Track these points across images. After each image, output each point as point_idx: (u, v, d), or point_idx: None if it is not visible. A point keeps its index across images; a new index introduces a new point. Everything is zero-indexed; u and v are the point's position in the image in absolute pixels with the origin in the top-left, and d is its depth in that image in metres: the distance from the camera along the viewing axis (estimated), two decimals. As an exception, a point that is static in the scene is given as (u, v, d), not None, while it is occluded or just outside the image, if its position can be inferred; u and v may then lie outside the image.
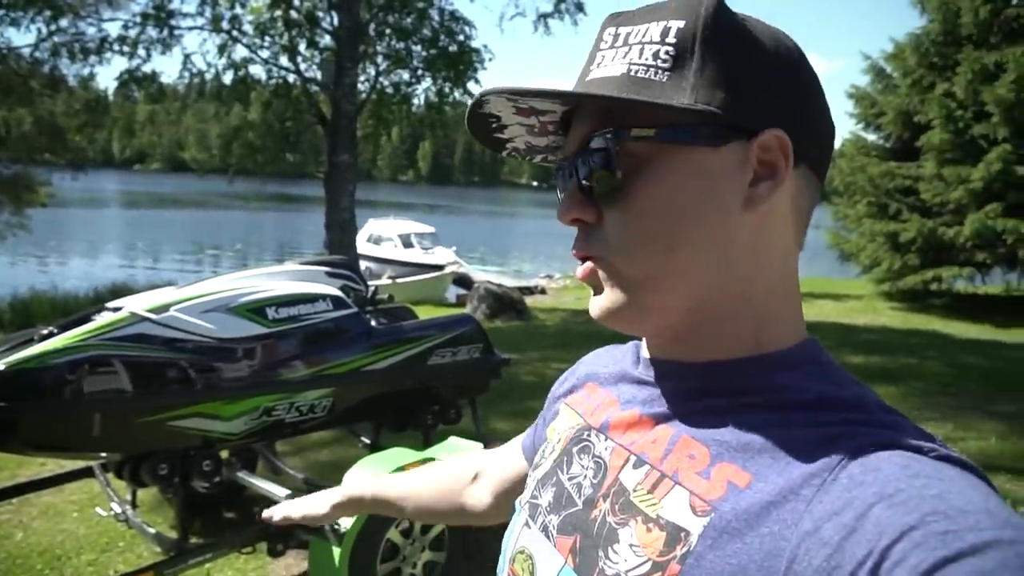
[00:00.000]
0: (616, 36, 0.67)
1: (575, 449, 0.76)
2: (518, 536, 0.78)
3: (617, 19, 0.68)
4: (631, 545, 0.62)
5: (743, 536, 0.56)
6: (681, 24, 0.64)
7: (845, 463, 0.56)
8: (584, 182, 0.67)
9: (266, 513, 1.22)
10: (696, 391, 0.68)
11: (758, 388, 0.65)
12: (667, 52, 0.63)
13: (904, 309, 13.89)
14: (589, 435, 0.76)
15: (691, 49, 0.63)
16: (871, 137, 15.69)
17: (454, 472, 1.13)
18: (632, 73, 0.64)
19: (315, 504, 1.18)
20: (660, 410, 0.69)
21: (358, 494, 1.16)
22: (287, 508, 1.19)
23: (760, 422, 0.62)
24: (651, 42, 0.64)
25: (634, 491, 0.66)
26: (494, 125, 0.72)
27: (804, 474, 0.57)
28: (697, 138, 0.63)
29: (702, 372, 0.68)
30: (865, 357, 8.68)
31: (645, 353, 0.75)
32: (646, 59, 0.64)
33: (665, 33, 0.64)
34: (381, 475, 2.96)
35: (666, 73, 0.63)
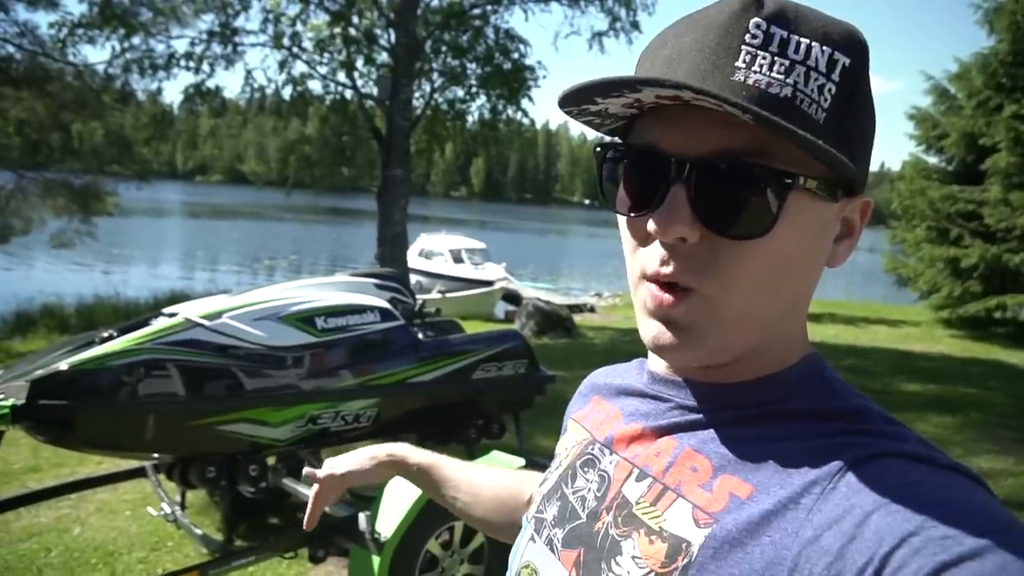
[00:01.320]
0: (770, 37, 0.59)
1: (580, 463, 0.76)
2: (523, 551, 0.78)
3: (764, 11, 0.60)
4: (634, 557, 0.63)
5: (744, 546, 0.56)
6: (847, 62, 0.60)
7: (845, 471, 0.56)
8: (710, 202, 0.60)
9: (308, 470, 1.15)
10: (701, 406, 0.68)
11: (761, 401, 0.66)
12: (830, 91, 0.59)
13: (964, 337, 13.42)
14: (594, 449, 0.76)
15: (850, 95, 0.61)
16: (932, 160, 15.28)
17: (514, 487, 1.05)
18: (798, 102, 0.58)
19: (358, 459, 1.10)
20: (663, 423, 0.70)
21: (406, 457, 1.08)
22: (330, 465, 1.11)
23: (762, 434, 0.63)
24: (817, 71, 0.58)
25: (637, 503, 0.66)
26: (615, 94, 0.60)
27: (805, 483, 0.57)
28: (829, 192, 0.62)
29: (713, 390, 0.68)
30: (921, 385, 8.40)
31: (653, 367, 0.74)
32: (812, 90, 0.58)
33: (832, 66, 0.59)
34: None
35: (823, 114, 0.59)
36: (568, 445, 0.82)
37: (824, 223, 0.64)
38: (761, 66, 0.58)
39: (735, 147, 0.59)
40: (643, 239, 0.64)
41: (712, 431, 0.66)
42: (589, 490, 0.72)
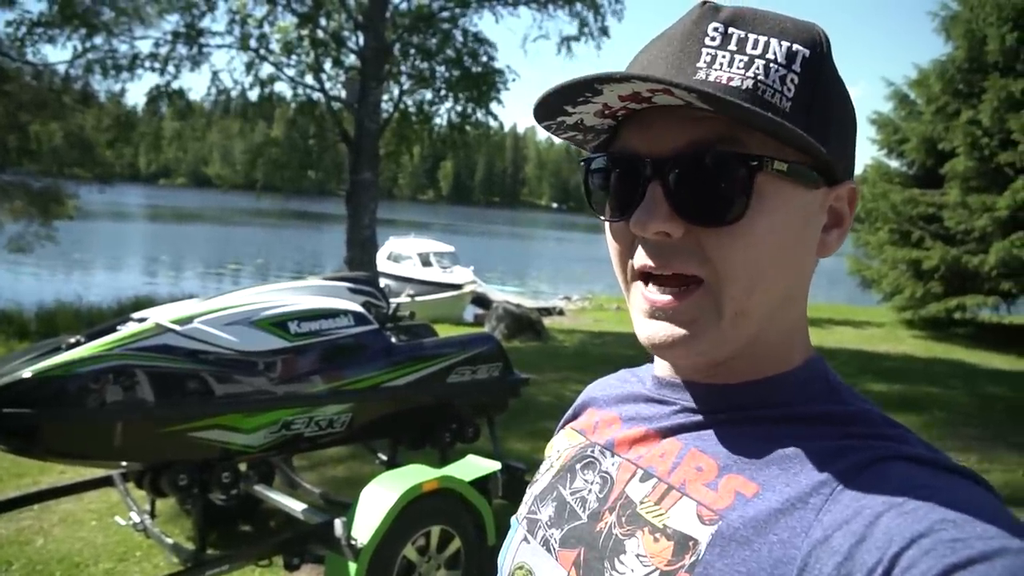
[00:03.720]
0: (727, 37, 0.61)
1: (578, 465, 0.76)
2: (516, 552, 0.76)
3: (721, 15, 0.63)
4: (638, 555, 0.62)
5: (751, 544, 0.56)
6: (807, 53, 0.62)
7: (854, 473, 0.57)
8: (685, 195, 0.61)
9: None
10: (706, 407, 0.68)
11: (767, 404, 0.66)
12: (792, 80, 0.61)
13: (926, 337, 13.73)
14: (593, 451, 0.76)
15: (813, 83, 0.62)
16: (893, 164, 15.63)
17: None
18: (760, 92, 0.60)
19: None
20: (667, 424, 0.70)
21: None
22: None
23: (768, 436, 0.63)
24: (777, 63, 0.61)
25: (641, 503, 0.66)
26: (580, 99, 0.61)
27: (813, 483, 0.57)
28: (806, 177, 0.63)
29: (717, 391, 0.68)
30: (887, 385, 8.57)
31: (658, 372, 0.75)
32: (773, 81, 0.60)
33: (791, 58, 0.61)
34: (397, 493, 2.97)
35: (789, 102, 0.61)
36: (560, 448, 0.82)
37: (807, 210, 0.64)
38: (721, 64, 0.61)
39: (704, 138, 0.60)
40: (630, 242, 0.66)
41: (717, 431, 0.66)
42: (590, 491, 0.72)
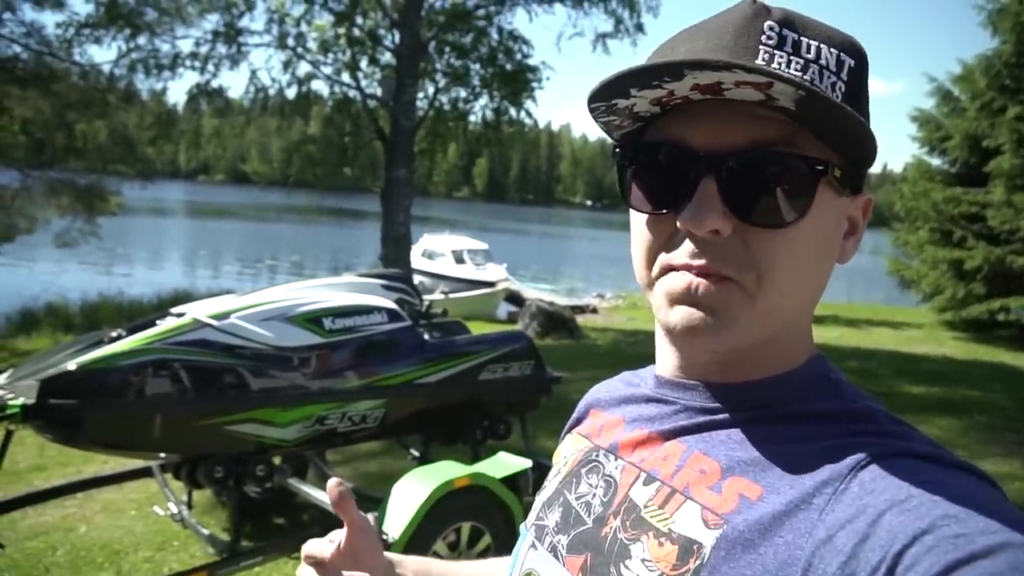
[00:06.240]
0: (783, 38, 0.61)
1: (583, 470, 0.76)
2: (524, 558, 0.77)
3: (774, 15, 0.62)
4: (643, 560, 0.62)
5: (756, 547, 0.56)
6: (852, 63, 0.63)
7: (856, 472, 0.57)
8: (743, 194, 0.60)
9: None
10: (708, 408, 0.68)
11: (768, 403, 0.66)
12: (840, 88, 0.62)
13: (967, 339, 13.40)
14: (597, 455, 0.75)
15: (856, 92, 0.63)
16: (935, 162, 15.26)
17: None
18: None
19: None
20: (669, 427, 0.69)
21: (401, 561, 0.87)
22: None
23: (770, 436, 0.63)
24: (829, 69, 0.61)
25: (645, 507, 0.66)
26: (655, 82, 0.59)
27: (816, 484, 0.57)
28: (846, 185, 0.64)
29: (721, 390, 0.68)
30: (925, 387, 8.38)
31: (660, 371, 0.74)
32: (826, 87, 0.61)
33: (840, 66, 0.62)
34: (429, 488, 2.99)
35: None
36: (567, 453, 0.82)
37: (838, 217, 0.66)
38: (780, 64, 0.60)
39: (765, 138, 0.60)
40: (667, 237, 0.64)
41: (720, 433, 0.66)
42: (594, 495, 0.72)
